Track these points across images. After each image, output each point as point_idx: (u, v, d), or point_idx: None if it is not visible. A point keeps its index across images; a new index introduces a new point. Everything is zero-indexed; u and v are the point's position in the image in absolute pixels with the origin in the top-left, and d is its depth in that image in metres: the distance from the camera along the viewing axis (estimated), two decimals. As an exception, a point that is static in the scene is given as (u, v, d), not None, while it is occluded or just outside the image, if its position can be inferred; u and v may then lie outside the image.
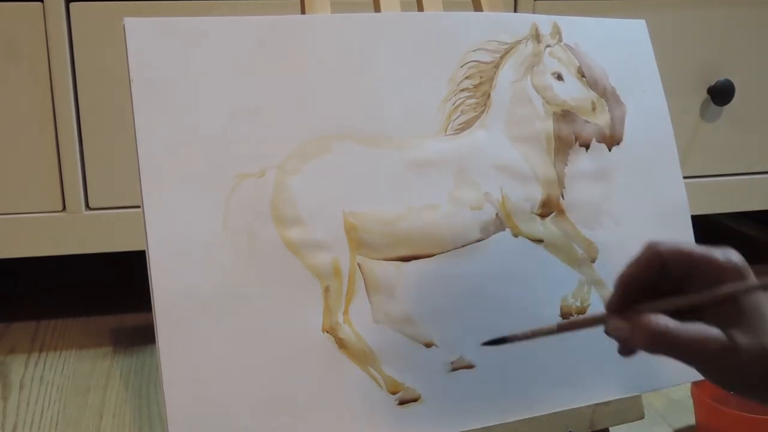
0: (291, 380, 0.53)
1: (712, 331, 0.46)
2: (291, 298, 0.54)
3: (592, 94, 0.66)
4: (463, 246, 0.59)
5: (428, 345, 0.57)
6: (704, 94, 1.00)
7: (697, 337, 0.46)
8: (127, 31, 0.53)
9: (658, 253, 0.48)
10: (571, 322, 0.54)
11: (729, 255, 0.48)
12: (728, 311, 0.47)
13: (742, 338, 0.46)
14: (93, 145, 0.86)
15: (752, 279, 0.48)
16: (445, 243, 0.59)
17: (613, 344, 0.65)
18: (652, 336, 0.46)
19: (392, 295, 0.57)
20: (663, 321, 0.46)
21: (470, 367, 0.58)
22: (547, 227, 0.62)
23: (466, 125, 0.61)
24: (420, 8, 0.63)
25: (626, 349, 0.50)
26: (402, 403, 0.56)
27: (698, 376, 0.68)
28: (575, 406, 0.62)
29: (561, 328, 0.52)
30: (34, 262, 1.00)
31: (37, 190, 0.86)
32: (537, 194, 0.62)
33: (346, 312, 0.55)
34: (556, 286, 0.62)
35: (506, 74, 0.63)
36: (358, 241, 0.56)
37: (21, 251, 0.86)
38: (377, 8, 0.62)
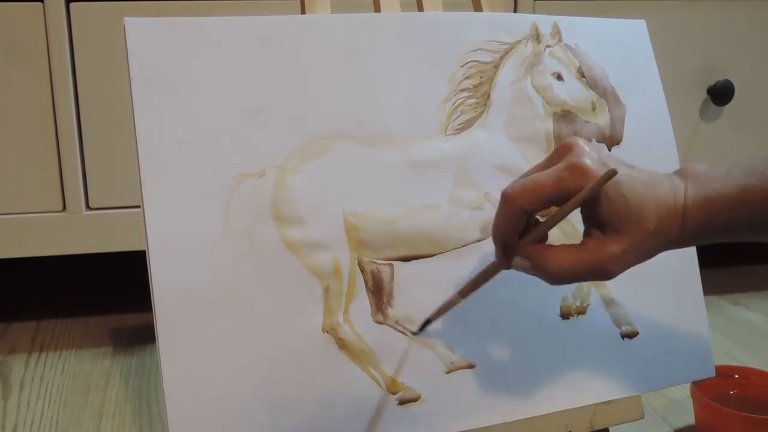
0: (291, 380, 0.53)
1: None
2: (291, 298, 0.54)
3: (592, 94, 0.66)
4: (463, 246, 0.59)
5: (428, 345, 0.57)
6: (704, 94, 1.00)
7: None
8: (127, 31, 0.53)
9: (515, 207, 0.50)
10: (472, 282, 0.55)
11: (571, 160, 0.50)
12: (597, 208, 0.50)
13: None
14: (93, 145, 0.86)
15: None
16: (445, 243, 0.59)
17: (612, 343, 0.65)
18: (529, 253, 0.51)
19: (392, 295, 0.57)
20: (530, 240, 0.52)
21: (470, 367, 0.58)
22: (547, 227, 0.62)
23: (466, 125, 0.61)
24: (420, 8, 0.63)
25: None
26: (402, 403, 0.56)
27: (699, 377, 0.68)
28: (575, 406, 0.62)
29: (463, 294, 0.55)
30: (34, 262, 1.00)
31: (37, 190, 0.86)
32: (537, 194, 0.62)
33: (346, 312, 0.55)
34: (556, 287, 0.62)
35: (506, 74, 0.63)
36: (358, 240, 0.56)
37: (21, 251, 0.86)
38: (377, 8, 0.62)
